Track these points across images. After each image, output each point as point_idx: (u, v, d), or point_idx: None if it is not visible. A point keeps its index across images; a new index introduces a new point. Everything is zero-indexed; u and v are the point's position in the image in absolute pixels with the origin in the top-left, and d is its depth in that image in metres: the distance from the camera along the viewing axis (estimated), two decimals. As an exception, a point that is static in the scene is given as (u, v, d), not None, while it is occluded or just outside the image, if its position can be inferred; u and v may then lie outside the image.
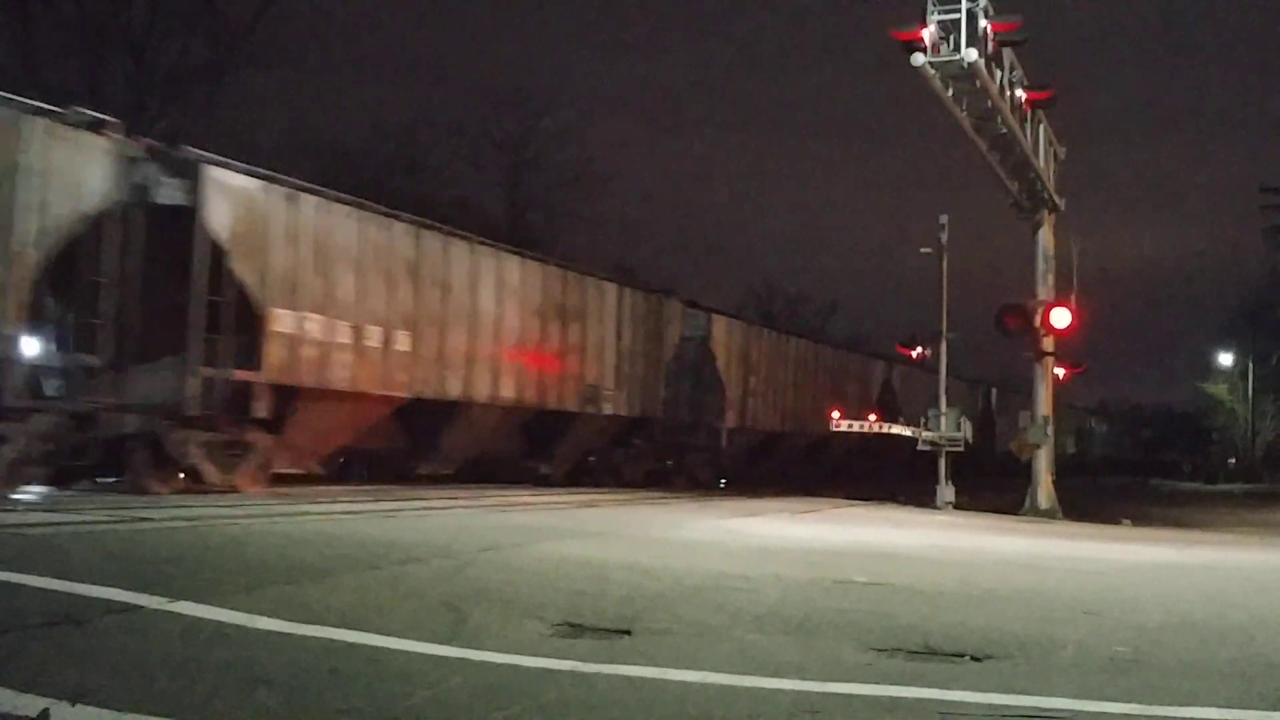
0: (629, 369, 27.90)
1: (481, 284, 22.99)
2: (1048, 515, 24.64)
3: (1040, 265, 25.94)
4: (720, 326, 32.76)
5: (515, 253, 24.87)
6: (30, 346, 15.65)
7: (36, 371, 15.92)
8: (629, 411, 28.02)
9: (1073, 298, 26.23)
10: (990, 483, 29.89)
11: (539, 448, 25.60)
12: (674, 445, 30.24)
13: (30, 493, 15.16)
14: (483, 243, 23.70)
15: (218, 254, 17.39)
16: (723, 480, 31.85)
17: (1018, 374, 32.73)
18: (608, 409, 27.10)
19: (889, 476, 34.04)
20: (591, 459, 27.84)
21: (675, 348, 30.21)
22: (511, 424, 24.51)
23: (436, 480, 23.15)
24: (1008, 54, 21.45)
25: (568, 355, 25.57)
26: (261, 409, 17.97)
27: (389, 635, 6.16)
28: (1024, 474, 26.02)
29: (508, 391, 23.59)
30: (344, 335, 19.48)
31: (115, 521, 11.73)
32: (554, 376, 25.10)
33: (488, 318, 23.08)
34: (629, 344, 27.94)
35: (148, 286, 16.92)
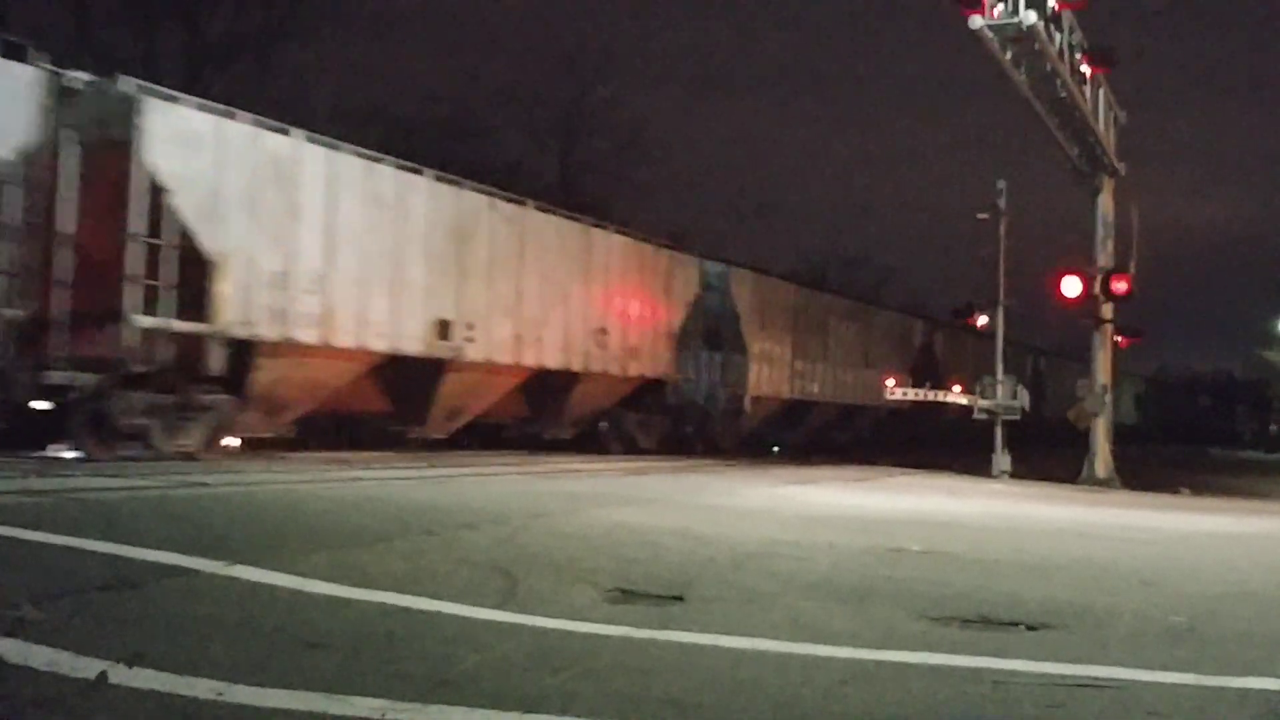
0: (863, 369, 37.84)
1: (823, 318, 35.17)
2: (1105, 484, 24.37)
3: (1099, 231, 25.54)
4: (940, 333, 43.11)
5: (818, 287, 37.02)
6: None
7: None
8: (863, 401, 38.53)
9: (1132, 264, 25.74)
10: (1057, 452, 29.53)
11: (843, 427, 36.90)
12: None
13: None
14: (804, 284, 35.57)
15: (737, 320, 30.11)
16: (775, 447, 32.63)
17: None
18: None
19: (966, 446, 34.08)
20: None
21: (914, 350, 41.04)
22: (834, 413, 36.08)
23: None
24: (1067, 16, 21.08)
25: (845, 363, 36.34)
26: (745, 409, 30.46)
27: (442, 600, 6.18)
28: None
29: (836, 394, 35.59)
30: (776, 361, 32.02)
31: (171, 487, 11.89)
32: (847, 379, 36.16)
33: (834, 342, 35.33)
34: (864, 352, 38.33)
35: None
